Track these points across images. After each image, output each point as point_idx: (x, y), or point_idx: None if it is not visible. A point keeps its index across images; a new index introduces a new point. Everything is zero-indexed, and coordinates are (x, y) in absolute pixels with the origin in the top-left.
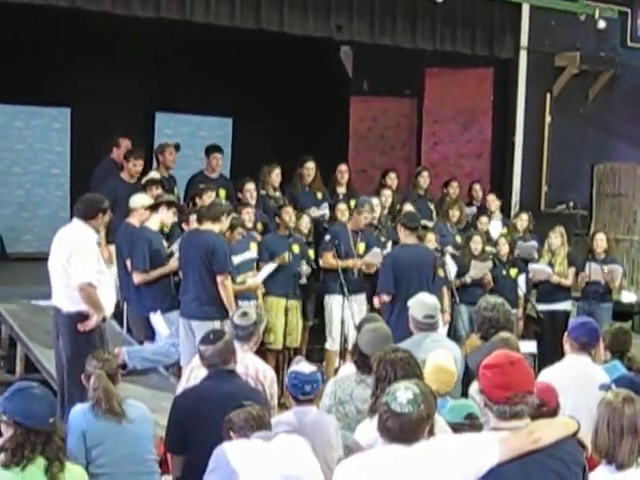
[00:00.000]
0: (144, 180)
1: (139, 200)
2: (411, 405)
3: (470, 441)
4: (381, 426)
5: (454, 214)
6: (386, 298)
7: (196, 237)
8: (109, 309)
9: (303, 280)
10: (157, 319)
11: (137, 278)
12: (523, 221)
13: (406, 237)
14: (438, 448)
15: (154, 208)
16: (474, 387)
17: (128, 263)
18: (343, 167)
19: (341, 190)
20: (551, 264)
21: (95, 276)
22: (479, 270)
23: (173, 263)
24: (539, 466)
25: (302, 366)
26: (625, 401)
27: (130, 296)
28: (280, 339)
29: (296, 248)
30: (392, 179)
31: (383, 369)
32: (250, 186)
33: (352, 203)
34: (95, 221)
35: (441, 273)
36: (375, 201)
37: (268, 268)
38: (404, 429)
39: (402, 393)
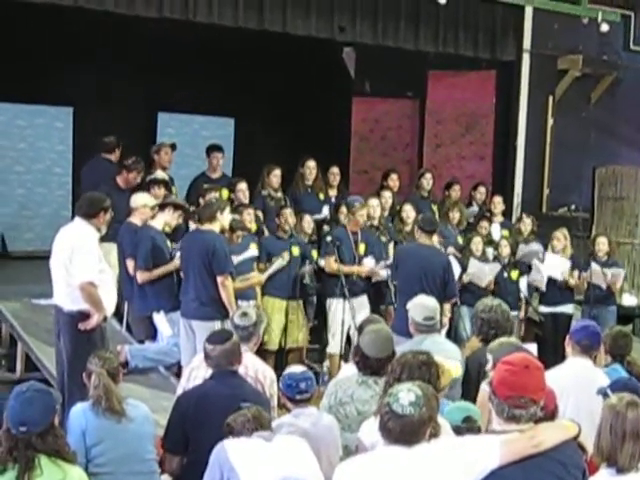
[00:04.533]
0: (148, 179)
1: (140, 199)
2: (412, 407)
3: (471, 444)
4: (382, 427)
5: (454, 216)
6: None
7: (197, 237)
8: (110, 308)
9: (307, 279)
10: (160, 319)
11: (140, 277)
12: (527, 225)
13: (422, 238)
14: (439, 450)
15: (161, 208)
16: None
17: (130, 264)
18: (335, 169)
19: (332, 193)
20: None
21: (96, 275)
22: (483, 272)
23: (176, 261)
24: (540, 469)
25: (293, 368)
26: (629, 405)
27: (132, 295)
28: (275, 340)
29: (296, 250)
30: (394, 180)
31: (392, 371)
32: (242, 186)
33: None
34: (97, 220)
35: None
36: (375, 202)
37: (276, 265)
38: (405, 431)
39: (404, 395)
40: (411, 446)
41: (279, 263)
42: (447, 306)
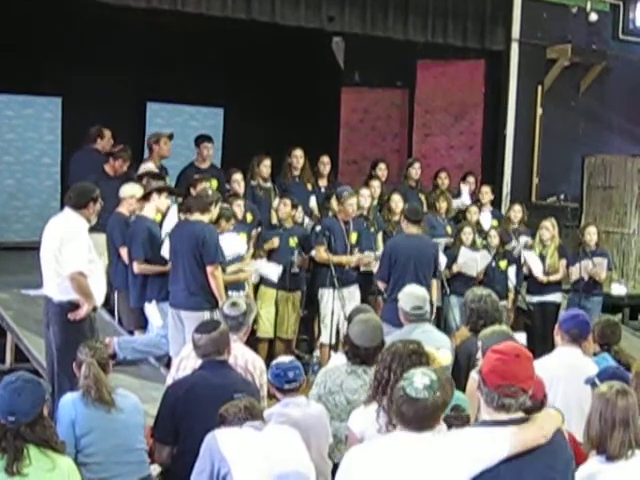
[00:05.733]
0: (140, 171)
1: (128, 190)
2: (427, 391)
3: (480, 433)
4: (396, 411)
5: (441, 206)
6: (381, 285)
7: (186, 228)
8: (100, 298)
9: (295, 269)
10: (151, 309)
11: (138, 268)
12: (517, 212)
13: (408, 228)
14: (448, 438)
15: (146, 198)
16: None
17: (123, 252)
18: (325, 159)
19: (323, 182)
20: (542, 256)
21: (86, 265)
22: (474, 260)
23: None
24: (533, 457)
25: (281, 358)
26: (619, 393)
27: (123, 285)
28: (267, 329)
29: (292, 241)
30: (382, 170)
31: (382, 359)
32: (237, 176)
33: None
34: (87, 210)
35: None
36: (366, 192)
37: (272, 271)
38: (418, 415)
39: (419, 378)
40: (422, 431)
41: (274, 271)
42: (434, 294)
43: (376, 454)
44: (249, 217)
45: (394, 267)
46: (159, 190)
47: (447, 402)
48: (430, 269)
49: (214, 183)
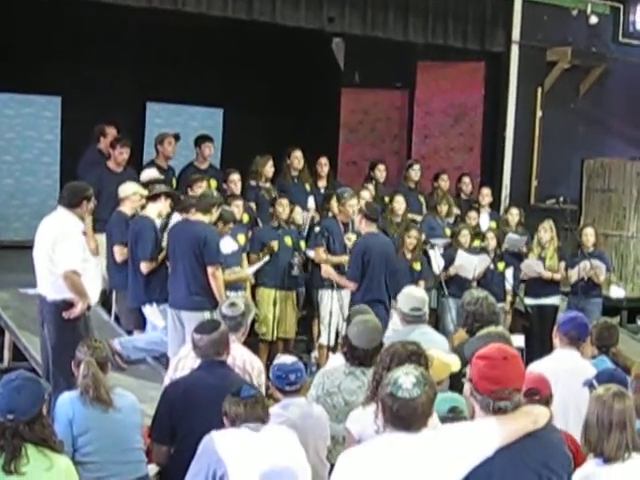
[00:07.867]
0: (145, 179)
1: (130, 188)
2: (418, 387)
3: (471, 427)
4: (392, 416)
5: (442, 209)
6: (352, 286)
7: (186, 228)
8: (94, 297)
9: (295, 271)
10: (152, 311)
11: (145, 267)
12: (513, 216)
13: (368, 227)
14: (441, 436)
15: (154, 198)
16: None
17: (117, 249)
18: (323, 160)
19: (322, 183)
20: (541, 258)
21: (80, 264)
22: (471, 263)
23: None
24: (527, 454)
25: (283, 358)
26: (615, 396)
27: (122, 285)
28: (268, 329)
29: (288, 240)
30: (381, 171)
31: (381, 360)
32: (235, 177)
33: None
34: (80, 209)
35: (417, 267)
36: (367, 194)
37: (260, 262)
38: (417, 413)
39: (404, 379)
40: (417, 431)
41: (264, 260)
42: None
43: (372, 455)
44: (245, 218)
45: (367, 268)
46: (168, 195)
47: (436, 395)
48: (394, 269)
49: (213, 183)
